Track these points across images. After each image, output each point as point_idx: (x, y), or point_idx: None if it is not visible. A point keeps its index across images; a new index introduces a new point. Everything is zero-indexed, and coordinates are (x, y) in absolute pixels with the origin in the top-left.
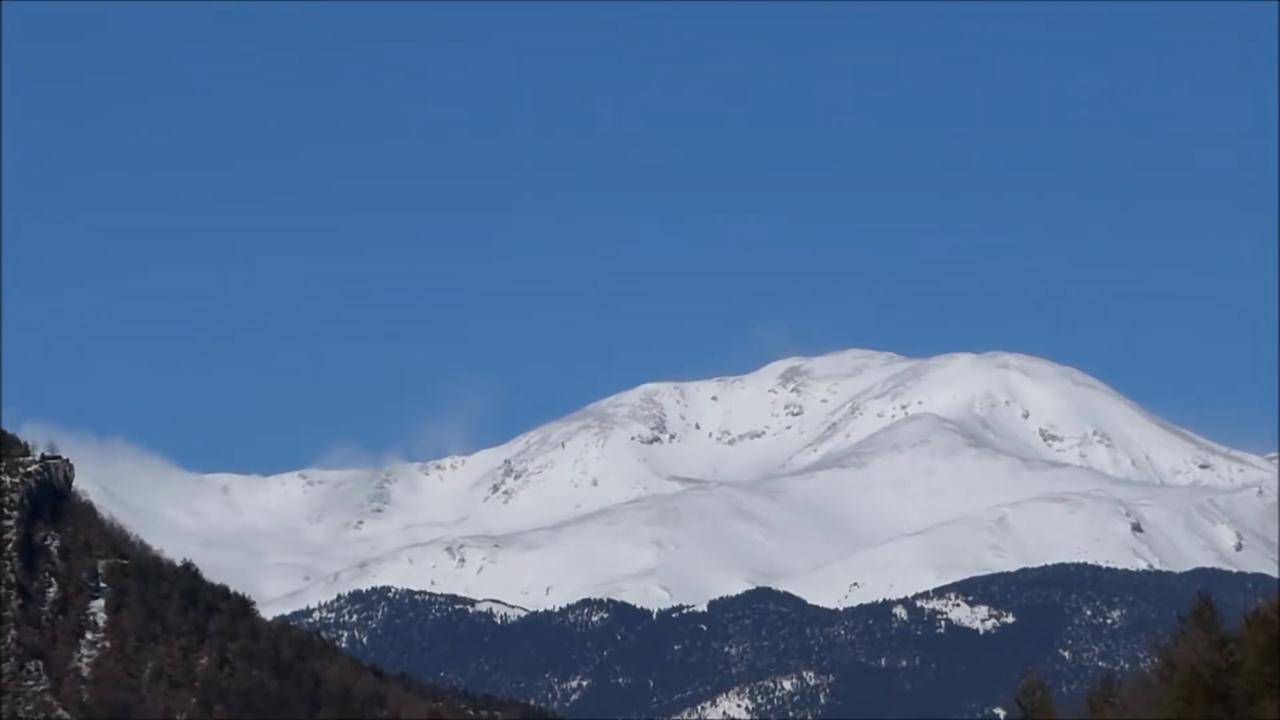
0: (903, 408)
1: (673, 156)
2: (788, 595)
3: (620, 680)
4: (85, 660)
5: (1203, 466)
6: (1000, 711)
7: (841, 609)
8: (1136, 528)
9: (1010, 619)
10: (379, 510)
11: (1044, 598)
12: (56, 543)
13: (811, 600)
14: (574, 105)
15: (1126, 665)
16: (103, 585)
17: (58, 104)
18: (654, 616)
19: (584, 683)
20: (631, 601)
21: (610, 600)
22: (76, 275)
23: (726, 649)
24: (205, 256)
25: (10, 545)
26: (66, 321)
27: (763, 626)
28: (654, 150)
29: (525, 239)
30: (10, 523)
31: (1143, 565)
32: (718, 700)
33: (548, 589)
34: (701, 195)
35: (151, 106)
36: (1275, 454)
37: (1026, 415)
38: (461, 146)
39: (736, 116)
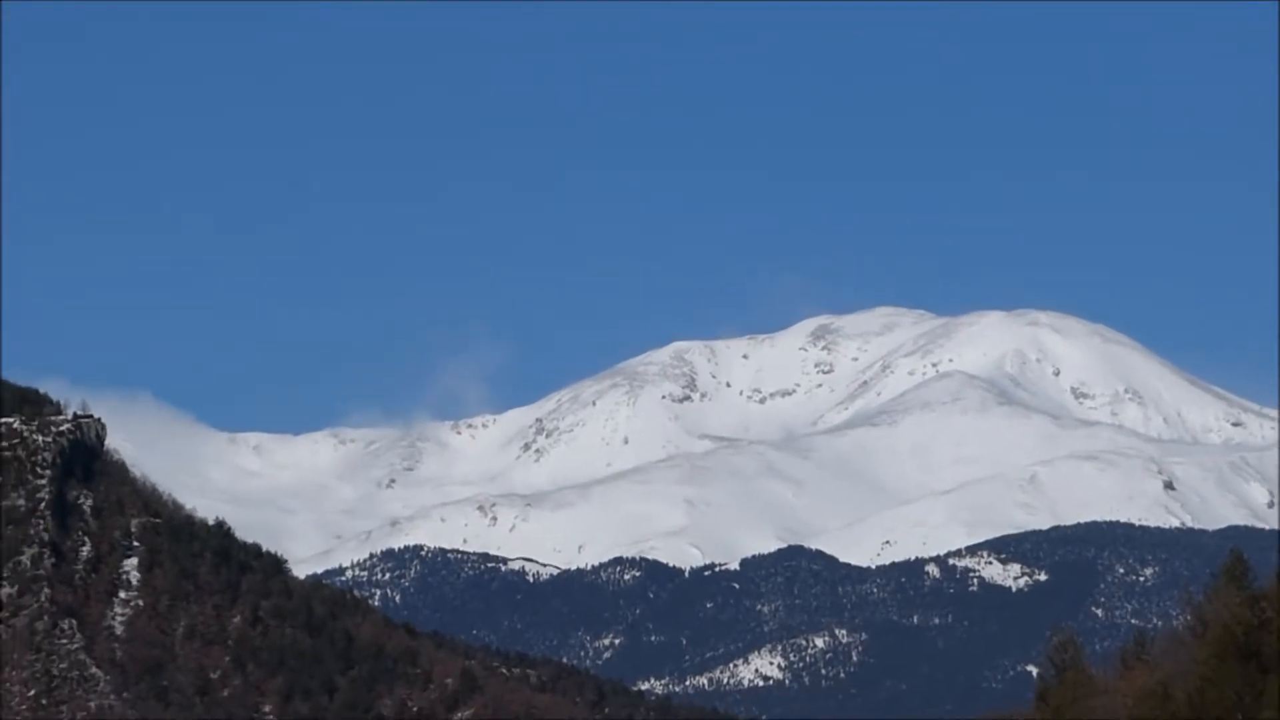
0: (933, 365)
1: (705, 114)
2: (819, 553)
3: (652, 638)
4: (119, 618)
5: (1234, 424)
6: (1033, 669)
7: (873, 567)
8: (1168, 485)
9: (1042, 577)
10: (410, 469)
11: (1076, 555)
12: (89, 502)
13: (843, 558)
14: (601, 63)
15: (1159, 623)
16: (135, 544)
17: (78, 58)
18: (686, 575)
19: (616, 641)
20: (663, 560)
21: (642, 558)
22: (103, 233)
23: (758, 607)
24: (234, 215)
25: (43, 504)
26: (94, 279)
27: (795, 584)
28: (687, 108)
29: (554, 197)
30: (43, 482)
31: (1175, 523)
32: (750, 658)
33: (580, 547)
34: (731, 153)
35: (175, 59)
36: None
37: (1057, 373)
38: (494, 106)
39: (767, 72)
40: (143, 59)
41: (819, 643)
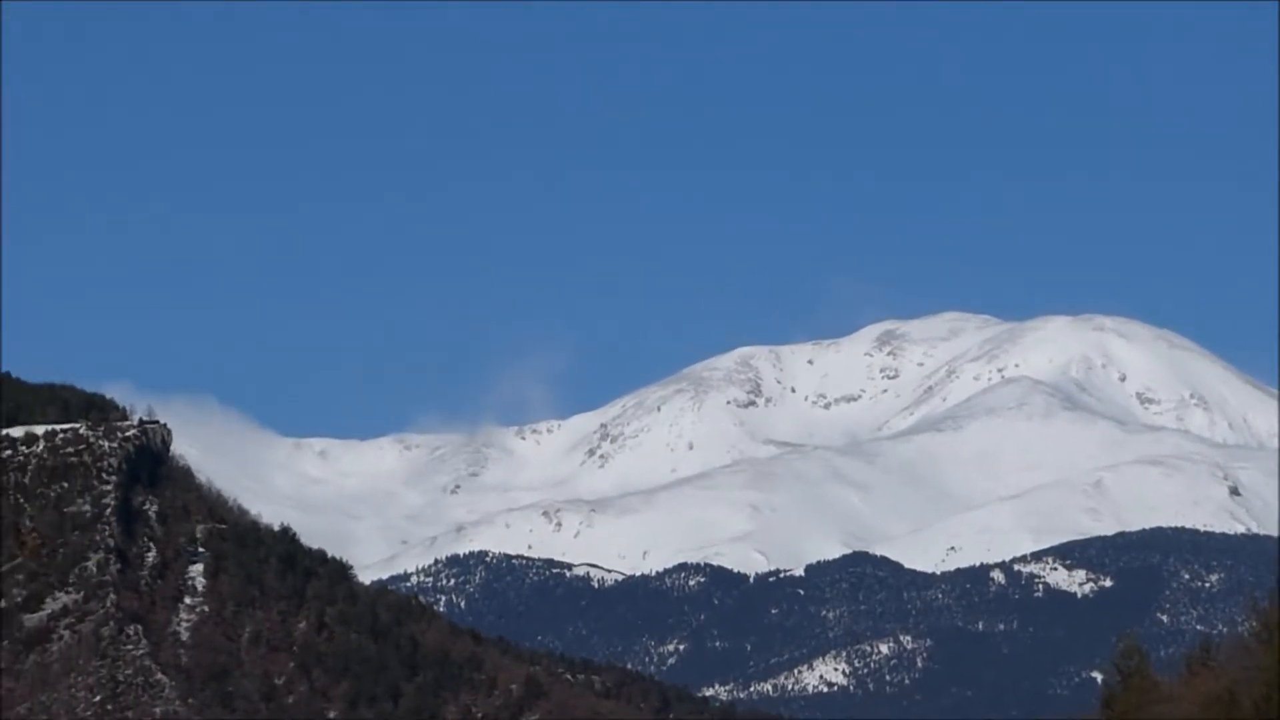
0: (999, 371)
1: (773, 117)
2: (884, 559)
3: (717, 644)
4: (184, 624)
5: None
6: (1098, 675)
7: (938, 573)
8: (1234, 491)
9: (1108, 582)
10: (475, 474)
11: (1141, 561)
12: (155, 507)
13: (908, 564)
14: (664, 67)
15: (1224, 629)
16: (201, 550)
17: (130, 52)
18: (751, 580)
19: (681, 646)
20: (728, 565)
21: (707, 564)
22: (173, 239)
23: (823, 613)
24: (298, 220)
25: (109, 510)
26: (160, 285)
27: (860, 590)
28: (756, 111)
29: (621, 201)
30: (109, 487)
31: (1240, 529)
32: (814, 664)
33: (644, 553)
34: (797, 156)
35: (238, 53)
36: None
37: (1123, 378)
38: (562, 110)
39: (834, 75)
40: (191, 56)
41: (884, 649)
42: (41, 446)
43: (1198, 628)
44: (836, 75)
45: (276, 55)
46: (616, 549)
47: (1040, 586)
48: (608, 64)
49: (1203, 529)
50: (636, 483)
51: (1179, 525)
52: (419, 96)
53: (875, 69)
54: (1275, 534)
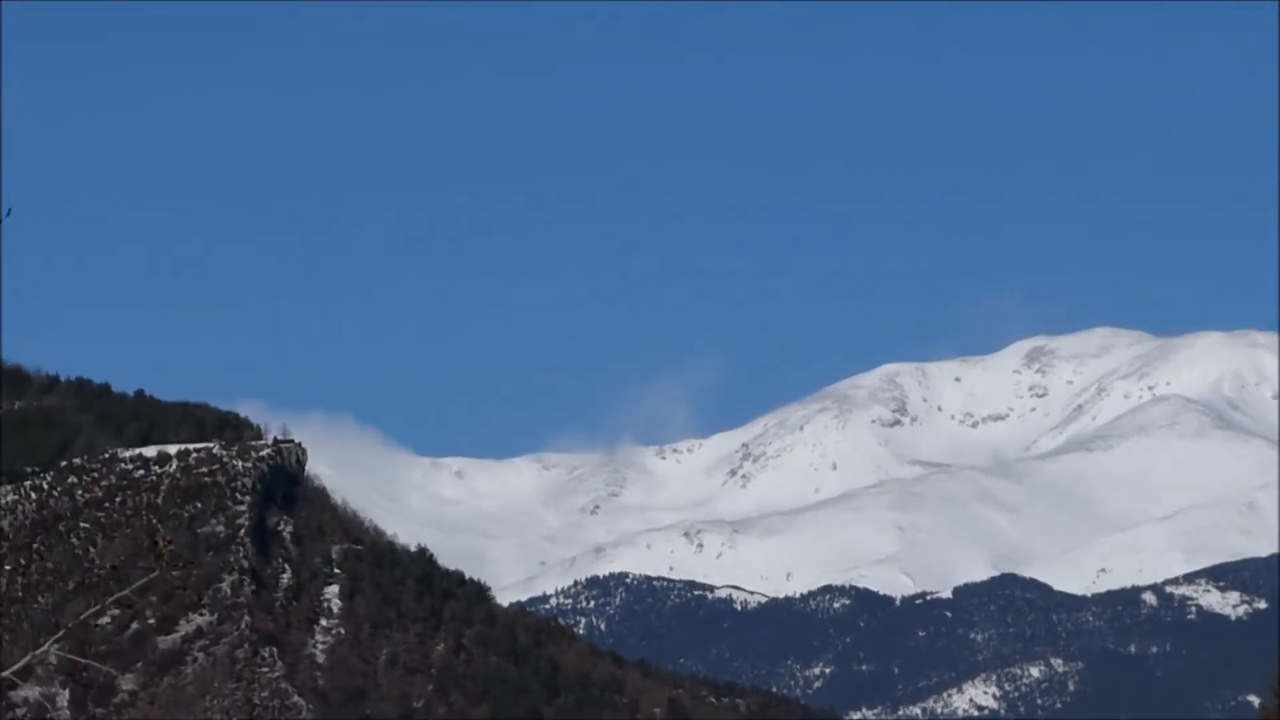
0: (1150, 389)
1: (920, 126)
2: (1034, 581)
3: (863, 667)
4: (320, 647)
5: None
6: (1254, 699)
7: (1089, 595)
8: None
9: (1263, 605)
10: (614, 495)
11: None
12: (289, 528)
13: (1058, 586)
14: (806, 75)
15: None
16: (337, 571)
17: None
18: (897, 603)
19: (826, 670)
20: (874, 588)
21: (852, 586)
22: (313, 256)
23: (972, 635)
24: (436, 236)
25: (243, 531)
26: (296, 302)
27: (1009, 613)
28: (906, 122)
29: (763, 217)
30: (243, 508)
31: None
32: (963, 688)
33: (788, 575)
34: (945, 169)
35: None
36: None
37: (1277, 395)
38: (693, 124)
39: (982, 84)
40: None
41: (1034, 672)
42: (175, 466)
43: None
44: (987, 84)
45: (436, 58)
46: (759, 570)
47: (1193, 609)
48: (765, 73)
49: None
50: (779, 503)
51: None
52: (574, 102)
53: (1025, 78)
54: None
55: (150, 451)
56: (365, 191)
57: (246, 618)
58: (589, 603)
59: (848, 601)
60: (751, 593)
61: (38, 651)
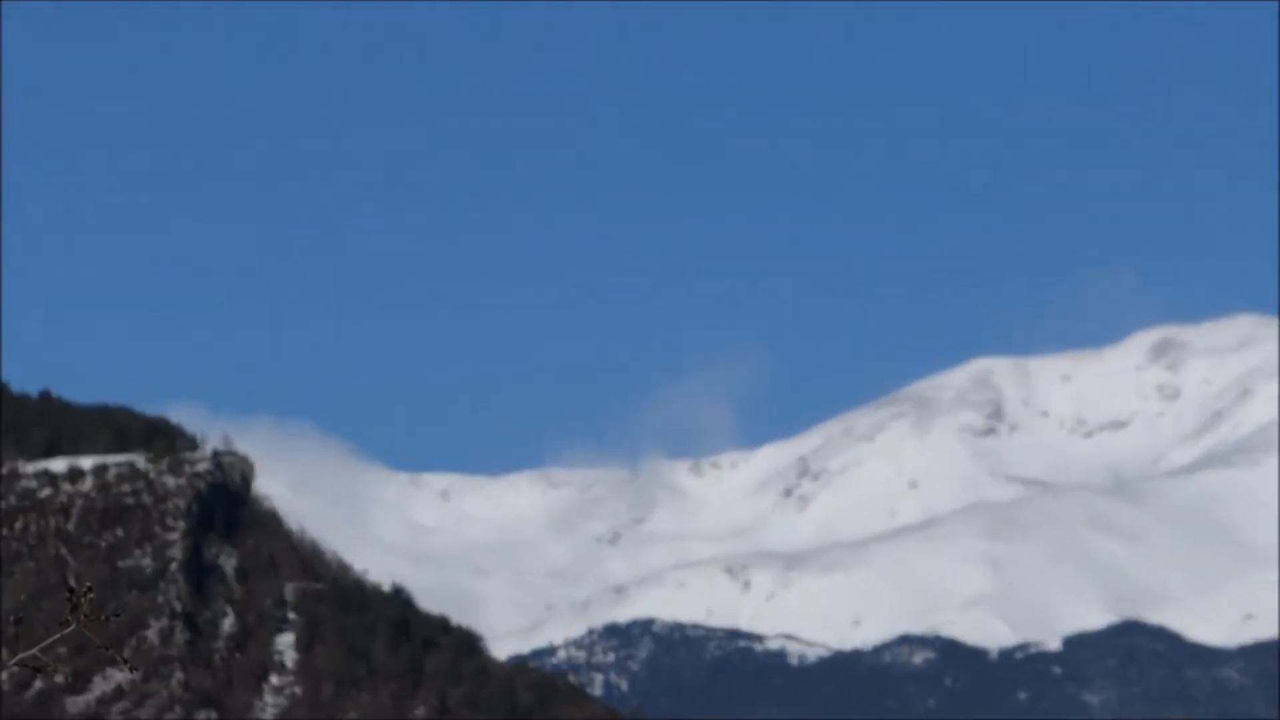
0: None
1: (1035, 91)
2: (1161, 629)
3: None
4: (270, 709)
5: None
6: None
7: (1232, 646)
8: None
9: None
10: (639, 520)
11: None
12: (233, 561)
13: (1192, 635)
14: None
15: None
16: (291, 615)
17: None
18: (992, 656)
19: None
20: (962, 638)
21: (936, 636)
22: (258, 235)
23: (1085, 697)
24: (418, 231)
25: (174, 565)
26: (240, 287)
27: (1130, 667)
28: (1013, 82)
29: (818, 183)
30: (174, 536)
31: None
32: None
33: (856, 621)
34: (1054, 125)
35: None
36: None
37: None
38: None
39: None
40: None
41: None
42: (90, 484)
43: None
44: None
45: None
46: (819, 616)
47: None
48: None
49: None
50: (844, 532)
51: None
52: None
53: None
54: None
55: (59, 465)
56: (335, 169)
57: (178, 674)
58: (606, 655)
59: (931, 654)
60: (810, 644)
61: None
